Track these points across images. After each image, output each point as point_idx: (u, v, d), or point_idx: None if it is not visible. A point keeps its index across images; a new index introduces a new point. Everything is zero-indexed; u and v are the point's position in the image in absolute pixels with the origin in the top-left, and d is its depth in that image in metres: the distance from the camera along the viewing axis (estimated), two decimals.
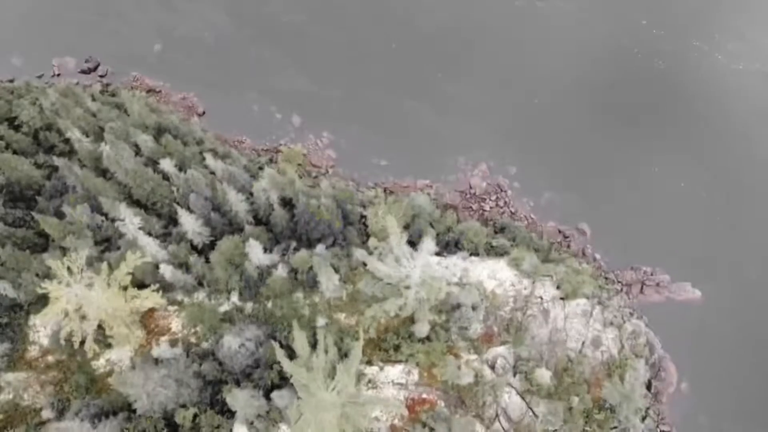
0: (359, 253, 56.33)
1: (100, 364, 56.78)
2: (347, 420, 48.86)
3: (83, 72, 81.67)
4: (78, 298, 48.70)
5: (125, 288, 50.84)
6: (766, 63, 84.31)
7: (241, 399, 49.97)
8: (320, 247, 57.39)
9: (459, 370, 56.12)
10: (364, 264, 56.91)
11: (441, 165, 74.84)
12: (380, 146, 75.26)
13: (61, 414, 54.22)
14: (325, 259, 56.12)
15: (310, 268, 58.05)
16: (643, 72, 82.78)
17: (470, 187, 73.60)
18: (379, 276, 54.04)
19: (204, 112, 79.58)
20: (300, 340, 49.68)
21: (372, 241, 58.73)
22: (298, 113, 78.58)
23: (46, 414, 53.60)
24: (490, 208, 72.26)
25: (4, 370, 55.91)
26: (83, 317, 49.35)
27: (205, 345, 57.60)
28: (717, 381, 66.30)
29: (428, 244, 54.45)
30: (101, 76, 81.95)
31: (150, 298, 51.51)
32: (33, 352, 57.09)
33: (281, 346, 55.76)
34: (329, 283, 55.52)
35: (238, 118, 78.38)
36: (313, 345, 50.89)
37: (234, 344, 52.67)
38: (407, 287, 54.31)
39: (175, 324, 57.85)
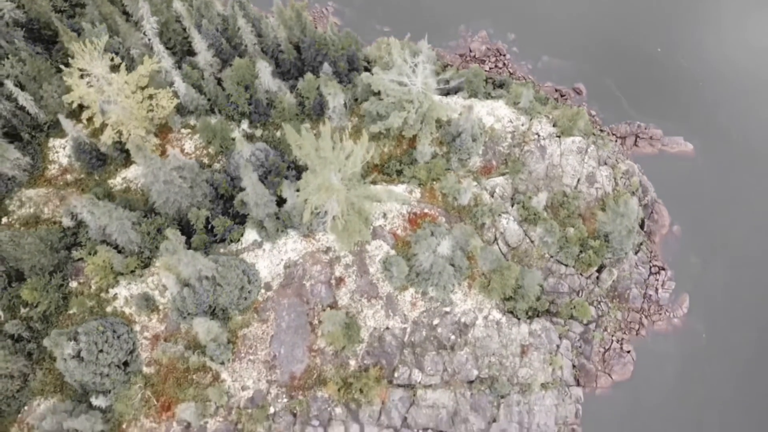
0: (364, 76, 58.54)
1: (116, 182, 59.50)
2: (352, 206, 51.59)
3: None
4: (99, 83, 50.81)
5: (142, 88, 53.35)
6: None
7: (252, 197, 52.14)
8: (326, 66, 59.65)
9: (459, 184, 58.63)
10: (369, 86, 59.35)
11: (442, 32, 77.25)
12: (384, 15, 77.76)
13: (80, 224, 56.98)
14: (331, 78, 58.53)
15: (317, 96, 60.48)
16: None
17: (470, 51, 76.06)
18: (383, 88, 56.39)
19: None
20: (309, 138, 51.71)
21: (375, 70, 61.04)
22: None
23: (66, 222, 56.27)
24: (489, 68, 74.73)
25: (25, 186, 58.73)
26: (103, 111, 51.83)
27: (216, 166, 60.31)
28: (707, 225, 68.84)
29: (425, 49, 56.39)
30: None
31: (165, 97, 53.91)
32: (53, 170, 59.80)
33: (288, 168, 58.59)
34: (335, 102, 57.76)
35: None
36: None
37: (246, 151, 55.01)
38: (410, 101, 56.80)
39: (188, 145, 60.45)
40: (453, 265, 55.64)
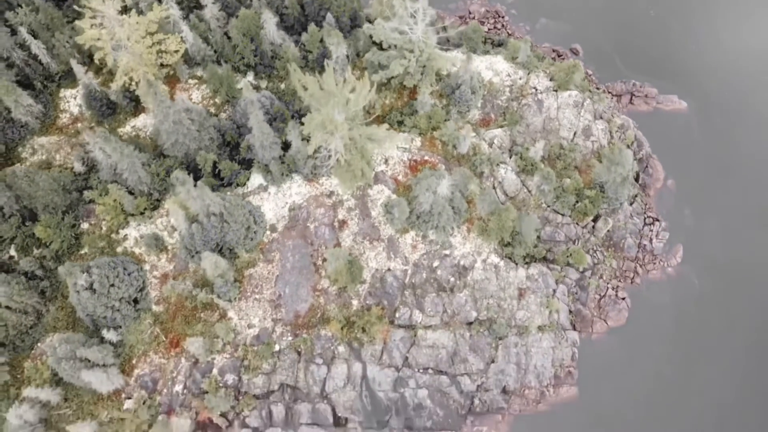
0: (366, 27, 60.29)
1: (126, 131, 61.31)
2: (355, 146, 53.35)
3: None
4: (111, 24, 52.63)
5: (151, 34, 55.19)
6: None
7: (258, 137, 53.94)
8: (329, 17, 61.38)
9: (458, 131, 60.38)
10: (371, 39, 61.19)
11: None
12: None
13: (91, 170, 58.82)
14: (333, 28, 60.29)
15: (320, 49, 62.24)
16: None
17: (469, 13, 77.87)
18: (385, 38, 58.16)
19: None
20: (312, 79, 53.42)
21: (377, 21, 62.64)
22: None
23: (77, 167, 58.09)
24: (488, 30, 76.47)
25: (37, 134, 60.55)
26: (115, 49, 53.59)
27: (223, 116, 62.08)
28: (701, 180, 70.55)
29: (424, 2, 58.16)
30: None
31: (173, 42, 55.73)
32: (64, 119, 61.67)
33: (292, 117, 60.22)
34: (338, 52, 59.46)
35: None
36: None
37: (252, 96, 56.61)
38: (410, 50, 58.59)
39: (196, 95, 62.28)
40: (453, 207, 57.36)
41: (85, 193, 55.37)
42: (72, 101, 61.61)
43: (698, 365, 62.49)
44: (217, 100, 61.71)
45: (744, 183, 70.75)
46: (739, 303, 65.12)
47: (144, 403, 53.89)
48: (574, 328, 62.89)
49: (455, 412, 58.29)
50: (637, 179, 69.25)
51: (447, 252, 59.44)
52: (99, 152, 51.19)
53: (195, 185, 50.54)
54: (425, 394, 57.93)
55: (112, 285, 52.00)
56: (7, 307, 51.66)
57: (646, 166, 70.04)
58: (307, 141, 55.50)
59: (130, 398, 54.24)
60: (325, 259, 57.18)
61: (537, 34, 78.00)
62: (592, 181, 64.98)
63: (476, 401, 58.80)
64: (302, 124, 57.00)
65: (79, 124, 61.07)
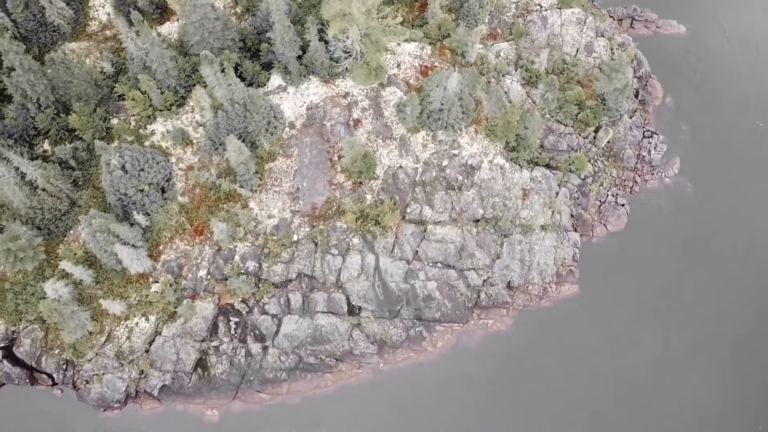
0: None
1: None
2: (369, 39, 56.59)
3: None
4: None
5: None
6: None
7: (279, 32, 56.98)
8: None
9: (467, 38, 63.49)
10: None
11: None
12: None
13: (119, 72, 62.19)
14: None
15: None
16: None
17: None
18: None
19: None
20: None
21: None
22: None
23: (107, 68, 61.47)
24: None
25: (68, 40, 63.87)
26: None
27: (243, 24, 65.31)
28: (698, 99, 73.75)
29: None
30: None
31: None
32: (93, 26, 65.03)
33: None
34: None
35: None
36: None
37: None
38: None
39: (218, 2, 65.43)
40: (461, 106, 60.55)
41: (116, 86, 58.71)
42: (101, 9, 64.94)
43: (693, 269, 65.81)
44: (238, 9, 65.02)
45: (740, 103, 73.97)
46: (732, 211, 68.42)
47: (170, 287, 57.43)
48: (576, 230, 66.10)
49: (462, 304, 61.77)
50: (636, 96, 72.40)
51: (455, 152, 62.77)
52: (130, 42, 54.51)
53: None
54: (434, 286, 61.39)
55: (142, 170, 55.49)
56: (44, 190, 55.12)
57: (646, 84, 73.18)
58: (326, 43, 58.92)
59: (157, 282, 57.82)
60: (340, 156, 60.59)
61: None
62: (594, 93, 68.13)
63: (482, 295, 62.26)
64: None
65: (107, 32, 64.35)
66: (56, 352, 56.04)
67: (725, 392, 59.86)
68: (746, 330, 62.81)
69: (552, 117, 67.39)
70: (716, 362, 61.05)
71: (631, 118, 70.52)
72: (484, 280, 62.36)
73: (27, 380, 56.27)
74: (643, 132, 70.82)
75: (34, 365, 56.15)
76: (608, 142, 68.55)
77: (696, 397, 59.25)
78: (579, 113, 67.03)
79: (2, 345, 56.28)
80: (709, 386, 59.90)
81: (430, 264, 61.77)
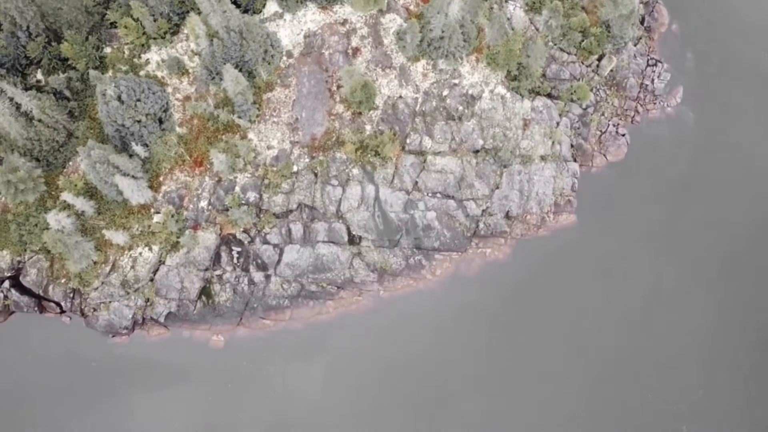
0: None
1: None
2: None
3: None
4: None
5: None
6: None
7: None
8: None
9: None
10: None
11: None
12: None
13: None
14: None
15: None
16: None
17: None
18: None
19: None
20: None
21: None
22: None
23: None
24: None
25: None
26: None
27: None
28: (705, 28, 72.12)
29: None
30: None
31: None
32: None
33: None
34: None
35: None
36: None
37: None
38: None
39: None
40: (463, 34, 59.17)
41: (108, 13, 57.05)
42: None
43: (691, 201, 66.31)
44: None
45: (747, 32, 72.33)
46: (733, 143, 68.25)
47: (172, 217, 57.87)
48: (575, 160, 66.11)
49: (461, 234, 62.56)
50: (642, 22, 70.61)
51: (456, 81, 61.85)
52: None
53: None
54: (433, 216, 61.98)
55: (139, 100, 54.72)
56: (40, 121, 54.57)
57: (652, 10, 71.28)
58: None
59: (158, 213, 58.22)
60: (339, 86, 59.70)
61: None
62: (598, 20, 66.38)
63: (481, 225, 62.95)
64: None
65: None
66: (63, 281, 57.17)
67: (716, 321, 61.52)
68: (740, 264, 63.70)
69: (555, 45, 65.94)
70: (707, 293, 62.30)
71: (635, 45, 69.04)
72: (482, 210, 62.87)
73: (36, 308, 57.72)
74: (647, 60, 69.50)
75: (41, 294, 57.43)
76: (611, 70, 67.44)
77: (686, 324, 61.08)
78: (583, 41, 65.56)
79: (9, 275, 57.36)
80: (699, 313, 61.58)
81: (430, 194, 62.09)
